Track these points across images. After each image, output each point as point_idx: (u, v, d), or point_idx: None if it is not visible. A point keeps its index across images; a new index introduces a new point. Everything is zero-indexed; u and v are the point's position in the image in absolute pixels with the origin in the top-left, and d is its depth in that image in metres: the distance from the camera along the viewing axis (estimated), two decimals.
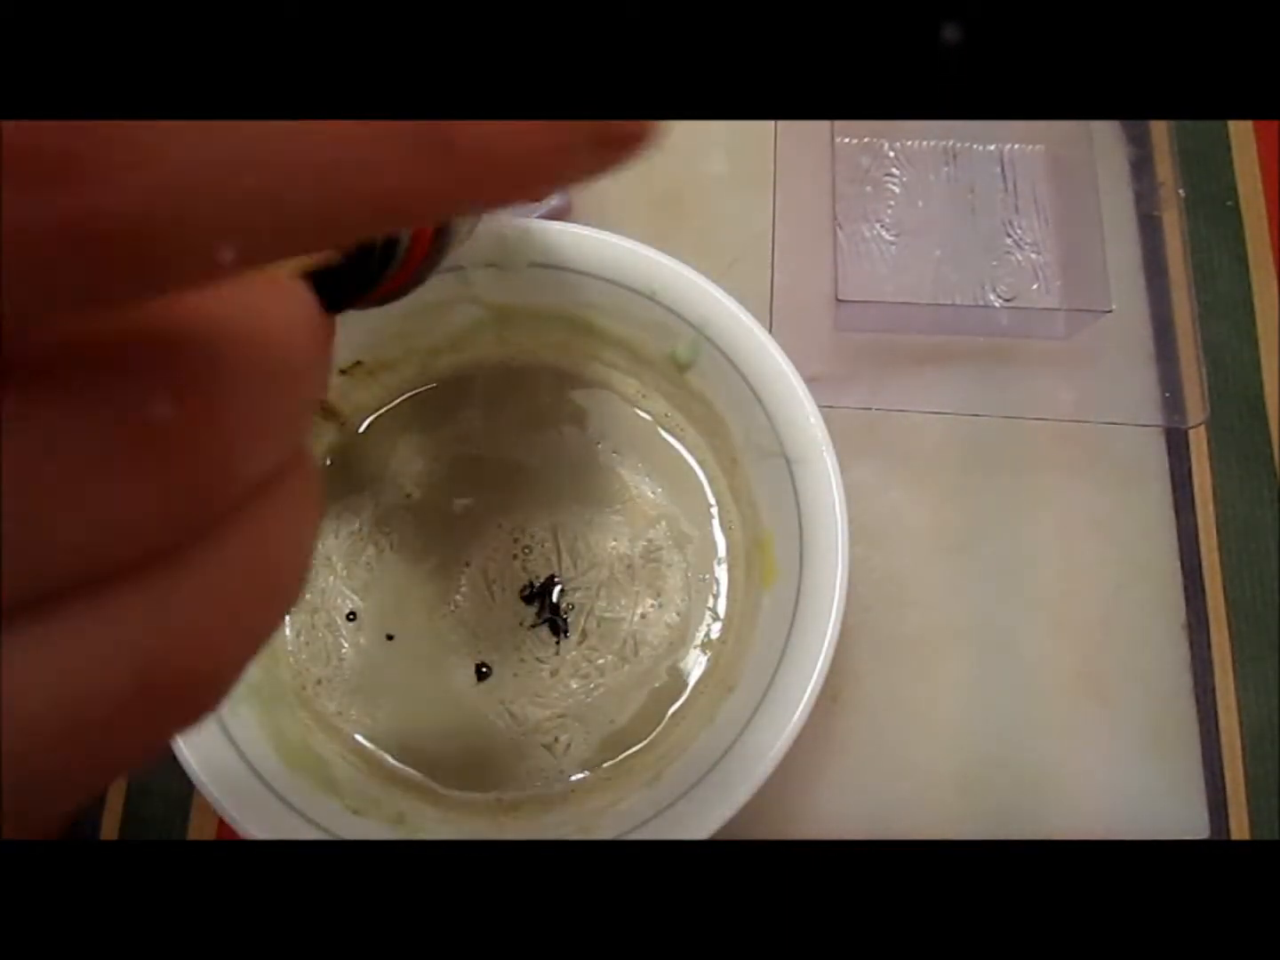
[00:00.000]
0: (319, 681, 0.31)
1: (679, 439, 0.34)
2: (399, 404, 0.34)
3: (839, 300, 0.36)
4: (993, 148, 0.40)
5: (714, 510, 0.33)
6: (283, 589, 0.11)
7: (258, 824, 0.25)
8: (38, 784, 0.08)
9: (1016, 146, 0.40)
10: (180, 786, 0.32)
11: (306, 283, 0.11)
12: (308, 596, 0.32)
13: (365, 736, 0.31)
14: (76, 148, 0.06)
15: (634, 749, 0.31)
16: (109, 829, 0.33)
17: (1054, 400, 0.37)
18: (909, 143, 0.40)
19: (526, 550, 0.33)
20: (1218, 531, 0.36)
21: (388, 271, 0.19)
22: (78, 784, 0.09)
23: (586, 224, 0.30)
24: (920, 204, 0.40)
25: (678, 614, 0.32)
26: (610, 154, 0.09)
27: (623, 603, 0.32)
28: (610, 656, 0.32)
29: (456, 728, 0.31)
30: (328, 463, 0.34)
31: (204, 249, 0.07)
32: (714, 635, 0.32)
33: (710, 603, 0.32)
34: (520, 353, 0.34)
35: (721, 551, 0.33)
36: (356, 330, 0.31)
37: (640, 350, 0.32)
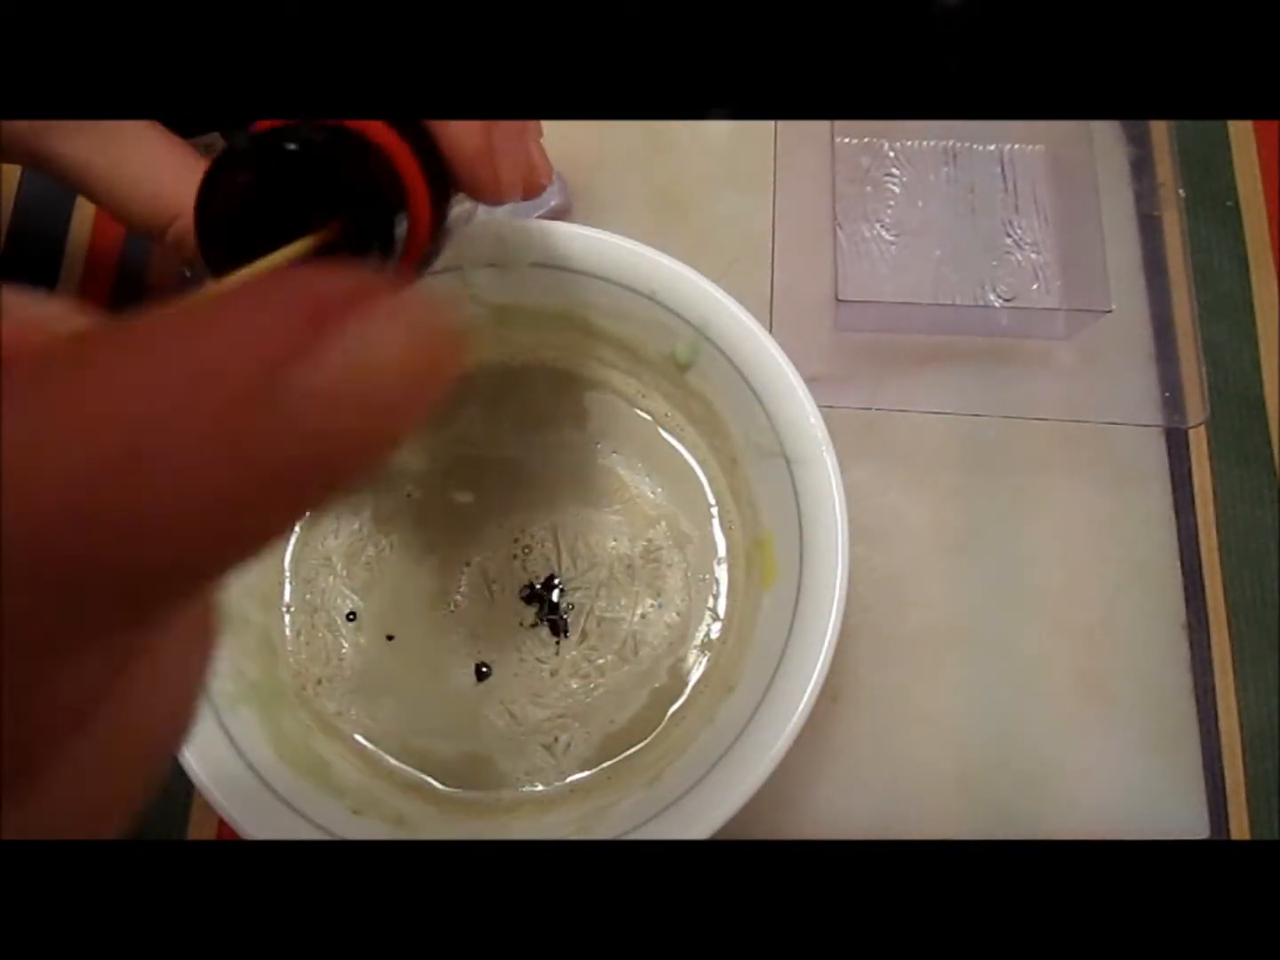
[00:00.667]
0: (319, 681, 0.31)
1: (679, 439, 0.34)
2: None
3: (839, 300, 0.36)
4: (993, 148, 0.40)
5: (714, 510, 0.33)
6: (153, 754, 0.10)
7: (258, 824, 0.25)
8: None
9: (1016, 146, 0.40)
10: (180, 786, 0.32)
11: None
12: (307, 597, 0.32)
13: (365, 736, 0.31)
14: None
15: (634, 749, 0.31)
16: None
17: (1054, 400, 0.37)
18: (909, 143, 0.40)
19: (526, 550, 0.33)
20: (1218, 531, 0.36)
21: (388, 266, 0.19)
22: None
23: (586, 224, 0.30)
24: (920, 204, 0.40)
25: (678, 614, 0.32)
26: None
27: (623, 603, 0.32)
28: (610, 656, 0.32)
29: (456, 728, 0.31)
30: None
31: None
32: (714, 635, 0.32)
33: (710, 603, 0.32)
34: (520, 353, 0.34)
35: (721, 551, 0.33)
36: None
37: (640, 350, 0.32)
